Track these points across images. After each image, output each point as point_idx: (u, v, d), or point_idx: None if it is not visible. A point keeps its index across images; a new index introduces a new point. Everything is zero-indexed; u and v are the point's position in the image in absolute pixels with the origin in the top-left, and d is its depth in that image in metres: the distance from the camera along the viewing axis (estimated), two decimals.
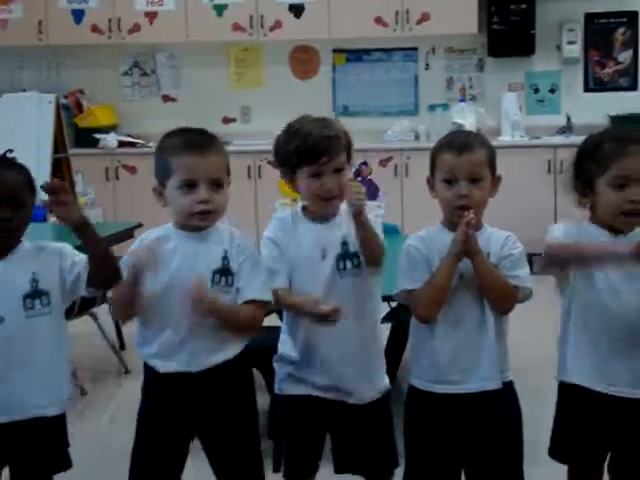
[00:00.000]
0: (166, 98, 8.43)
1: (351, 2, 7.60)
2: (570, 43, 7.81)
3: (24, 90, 7.89)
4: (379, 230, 2.70)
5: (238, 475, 2.68)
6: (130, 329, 2.67)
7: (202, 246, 2.57)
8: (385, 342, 2.80)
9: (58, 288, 2.52)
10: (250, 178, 7.46)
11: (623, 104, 7.68)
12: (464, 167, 2.56)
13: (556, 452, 2.67)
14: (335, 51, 8.14)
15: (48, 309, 2.50)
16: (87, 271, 2.48)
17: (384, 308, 3.51)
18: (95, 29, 7.97)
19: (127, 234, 5.30)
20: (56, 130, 6.76)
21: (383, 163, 7.40)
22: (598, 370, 2.54)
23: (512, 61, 7.94)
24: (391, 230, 2.84)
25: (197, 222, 2.56)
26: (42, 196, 2.46)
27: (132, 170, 7.59)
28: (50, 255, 2.53)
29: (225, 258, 2.57)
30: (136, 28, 7.96)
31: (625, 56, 7.89)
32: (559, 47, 7.87)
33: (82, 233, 2.43)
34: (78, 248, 2.54)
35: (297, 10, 7.79)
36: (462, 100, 8.00)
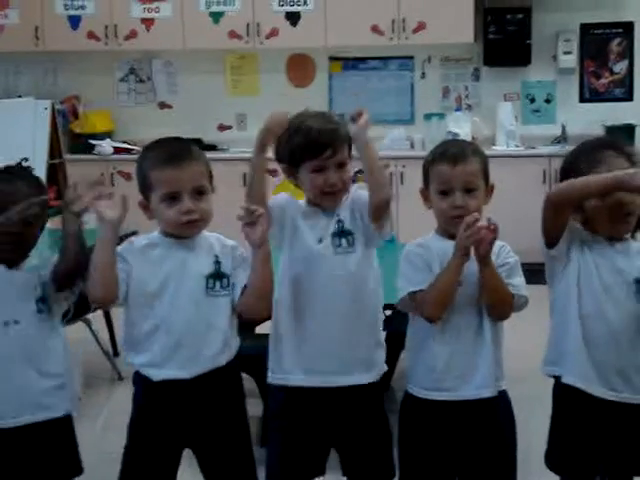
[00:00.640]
0: (162, 105, 8.44)
1: (347, 10, 7.61)
2: (566, 53, 7.84)
3: (20, 96, 7.89)
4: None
5: None
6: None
7: (192, 252, 2.58)
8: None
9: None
10: (244, 185, 7.43)
11: (618, 115, 7.70)
12: (459, 178, 2.57)
13: (551, 461, 2.67)
14: (331, 59, 8.15)
15: (51, 314, 2.62)
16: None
17: None
18: (91, 35, 7.97)
19: (122, 240, 5.28)
20: (52, 136, 6.75)
21: None
22: (598, 375, 2.54)
23: (508, 71, 7.96)
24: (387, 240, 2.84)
25: (185, 232, 2.57)
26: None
27: (127, 177, 7.56)
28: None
29: (217, 262, 2.59)
30: (132, 35, 7.96)
31: (620, 67, 7.92)
32: (555, 57, 7.89)
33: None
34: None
35: (293, 18, 7.81)
36: (458, 109, 8.02)
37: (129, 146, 7.94)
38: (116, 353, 5.32)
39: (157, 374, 2.56)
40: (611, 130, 7.48)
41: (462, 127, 7.67)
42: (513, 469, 2.67)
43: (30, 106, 6.82)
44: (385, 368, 2.76)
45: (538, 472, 2.73)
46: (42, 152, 6.60)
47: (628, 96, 7.92)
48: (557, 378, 2.62)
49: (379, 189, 2.60)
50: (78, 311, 2.76)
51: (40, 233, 2.63)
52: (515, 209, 6.65)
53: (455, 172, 2.57)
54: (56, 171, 6.82)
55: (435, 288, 2.53)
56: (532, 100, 8.04)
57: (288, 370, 2.67)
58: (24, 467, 2.58)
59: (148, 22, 7.94)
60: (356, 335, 2.67)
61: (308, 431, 2.69)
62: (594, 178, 2.45)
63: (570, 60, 7.85)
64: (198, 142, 6.83)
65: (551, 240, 2.57)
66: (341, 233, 2.67)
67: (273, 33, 7.84)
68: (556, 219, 2.54)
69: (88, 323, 4.99)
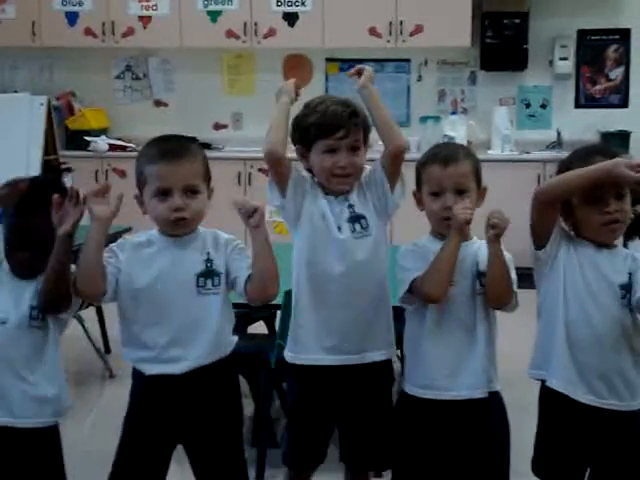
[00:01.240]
0: (158, 103, 8.43)
1: (345, 12, 7.61)
2: (562, 59, 7.84)
3: (16, 91, 7.89)
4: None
5: None
6: (116, 333, 2.67)
7: (184, 251, 2.59)
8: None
9: None
10: (240, 185, 7.47)
11: (613, 121, 7.71)
12: (450, 179, 2.60)
13: (538, 468, 2.67)
14: (328, 60, 8.15)
15: (44, 323, 2.64)
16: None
17: None
18: (88, 32, 7.96)
19: (116, 238, 5.26)
20: (47, 132, 6.73)
21: None
22: (580, 378, 2.55)
23: (504, 75, 7.96)
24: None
25: (174, 229, 2.58)
26: None
27: (122, 174, 7.57)
28: None
29: (208, 260, 2.59)
30: (130, 32, 7.95)
31: (617, 73, 7.93)
32: (551, 62, 7.90)
33: (65, 243, 2.50)
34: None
35: (291, 18, 7.80)
36: (454, 113, 8.02)
37: (124, 143, 7.93)
38: (108, 350, 5.31)
39: (149, 369, 2.57)
40: (606, 136, 7.49)
41: (458, 130, 7.67)
42: (505, 473, 2.68)
43: (26, 101, 6.80)
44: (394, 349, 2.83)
45: (530, 476, 2.73)
46: (37, 148, 6.58)
47: (623, 103, 7.93)
48: (543, 382, 2.63)
49: (393, 136, 2.70)
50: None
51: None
52: (509, 213, 6.63)
53: (446, 173, 2.60)
54: (51, 167, 6.80)
55: (434, 267, 2.56)
56: (528, 105, 8.04)
57: (309, 349, 2.73)
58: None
59: (145, 19, 7.93)
60: (374, 316, 2.74)
61: (318, 409, 2.76)
62: (581, 171, 2.47)
63: (566, 66, 7.86)
64: (193, 141, 6.82)
65: (539, 241, 2.58)
66: (354, 218, 2.71)
67: (271, 33, 7.83)
68: (544, 216, 2.55)
69: (80, 320, 4.99)
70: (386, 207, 2.75)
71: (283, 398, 3.88)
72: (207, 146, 7.77)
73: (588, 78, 7.96)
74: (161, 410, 2.59)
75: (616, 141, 7.32)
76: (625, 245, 2.65)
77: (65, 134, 8.00)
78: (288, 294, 2.98)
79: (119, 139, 8.05)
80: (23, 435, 2.60)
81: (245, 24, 7.83)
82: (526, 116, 8.05)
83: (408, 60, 8.10)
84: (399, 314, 2.81)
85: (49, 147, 6.81)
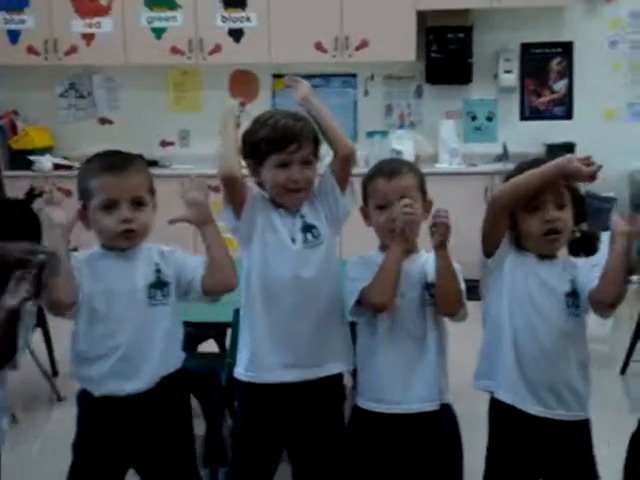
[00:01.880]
0: (103, 121, 8.34)
1: (291, 27, 7.60)
2: (507, 72, 7.91)
3: None
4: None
5: None
6: (64, 355, 2.62)
7: (132, 263, 2.57)
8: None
9: None
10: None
11: (558, 133, 7.79)
12: (395, 191, 2.62)
13: None
14: (275, 76, 8.14)
15: None
16: None
17: None
18: (31, 50, 7.86)
19: None
20: None
21: None
22: (528, 390, 2.56)
23: (450, 89, 8.01)
24: None
25: (121, 243, 2.56)
26: None
27: (67, 193, 7.42)
28: None
29: (158, 270, 2.59)
30: (73, 50, 7.86)
31: (560, 85, 8.02)
32: (496, 76, 7.97)
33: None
34: None
35: (237, 34, 7.78)
36: (401, 127, 8.06)
37: (69, 162, 7.82)
38: (55, 372, 5.22)
39: (98, 389, 2.53)
40: (551, 148, 7.56)
41: (405, 145, 7.70)
42: None
43: None
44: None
45: None
46: None
47: (568, 114, 8.02)
48: (492, 394, 2.63)
49: (341, 141, 2.74)
50: None
51: None
52: (457, 226, 6.67)
53: (391, 186, 2.64)
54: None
55: (378, 276, 2.57)
56: (474, 118, 8.10)
57: (267, 367, 2.69)
58: None
59: (89, 37, 7.84)
60: (331, 325, 2.73)
61: (268, 428, 2.72)
62: (535, 171, 2.52)
63: (511, 79, 7.93)
64: (136, 156, 6.76)
65: (490, 249, 2.60)
66: (306, 228, 2.71)
67: (216, 49, 7.80)
68: (497, 223, 2.57)
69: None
70: (337, 214, 2.76)
71: (235, 417, 3.84)
72: (154, 163, 7.71)
73: (532, 91, 8.05)
74: (111, 433, 2.55)
75: (561, 152, 7.34)
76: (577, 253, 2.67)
77: (8, 153, 7.88)
78: (237, 312, 2.95)
79: (64, 158, 7.94)
80: None
81: (190, 40, 7.78)
82: (472, 129, 8.11)
83: (354, 75, 8.12)
84: (351, 329, 2.80)
85: None
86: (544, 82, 8.02)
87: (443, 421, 2.66)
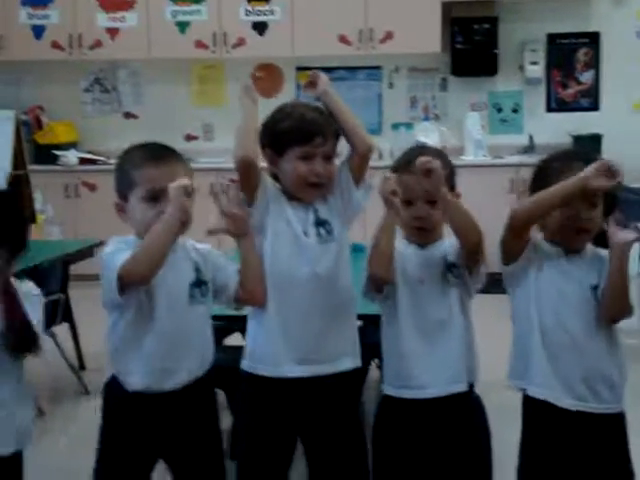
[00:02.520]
0: (127, 115, 8.36)
1: (315, 20, 7.59)
2: (533, 63, 7.87)
3: None
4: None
5: None
6: (90, 349, 2.61)
7: (174, 260, 2.49)
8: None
9: None
10: (210, 195, 7.41)
11: (585, 124, 7.73)
12: (421, 187, 2.53)
13: (523, 476, 2.64)
14: (299, 69, 8.12)
15: None
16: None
17: None
18: (56, 45, 7.89)
19: (87, 252, 5.22)
20: (15, 146, 6.66)
21: None
22: (561, 383, 2.52)
23: (475, 81, 7.97)
24: (358, 249, 2.83)
25: None
26: None
27: (92, 187, 7.50)
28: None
29: (197, 269, 2.55)
30: (97, 44, 7.89)
31: (587, 77, 7.96)
32: (522, 67, 7.92)
33: None
34: None
35: (260, 28, 7.77)
36: (426, 119, 8.02)
37: (94, 157, 7.86)
38: (82, 366, 5.24)
39: (134, 384, 2.49)
40: (578, 140, 7.51)
41: (430, 137, 7.66)
42: (488, 468, 2.66)
43: None
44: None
45: None
46: (4, 163, 6.50)
47: (594, 106, 7.96)
48: (524, 391, 2.61)
49: (362, 138, 2.68)
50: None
51: None
52: (483, 218, 6.63)
53: (418, 181, 2.53)
54: (20, 182, 6.72)
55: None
56: (499, 110, 8.06)
57: (278, 361, 2.63)
58: None
59: (113, 32, 7.87)
60: (344, 320, 2.69)
61: (279, 423, 2.66)
62: (557, 190, 2.43)
63: (537, 70, 7.88)
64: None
65: (507, 259, 2.55)
66: (319, 222, 2.66)
67: (240, 43, 7.80)
68: (519, 239, 2.51)
69: (53, 336, 4.91)
70: (350, 210, 2.71)
71: (235, 412, 3.80)
72: None
73: (559, 82, 7.98)
74: (142, 426, 2.53)
75: (588, 144, 7.35)
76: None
77: (34, 148, 7.92)
78: None
79: (89, 152, 7.97)
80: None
81: (214, 34, 7.79)
82: (498, 121, 8.06)
83: (379, 67, 8.10)
84: (375, 321, 2.77)
85: (18, 162, 6.73)
86: (570, 73, 7.96)
87: (472, 403, 2.65)
